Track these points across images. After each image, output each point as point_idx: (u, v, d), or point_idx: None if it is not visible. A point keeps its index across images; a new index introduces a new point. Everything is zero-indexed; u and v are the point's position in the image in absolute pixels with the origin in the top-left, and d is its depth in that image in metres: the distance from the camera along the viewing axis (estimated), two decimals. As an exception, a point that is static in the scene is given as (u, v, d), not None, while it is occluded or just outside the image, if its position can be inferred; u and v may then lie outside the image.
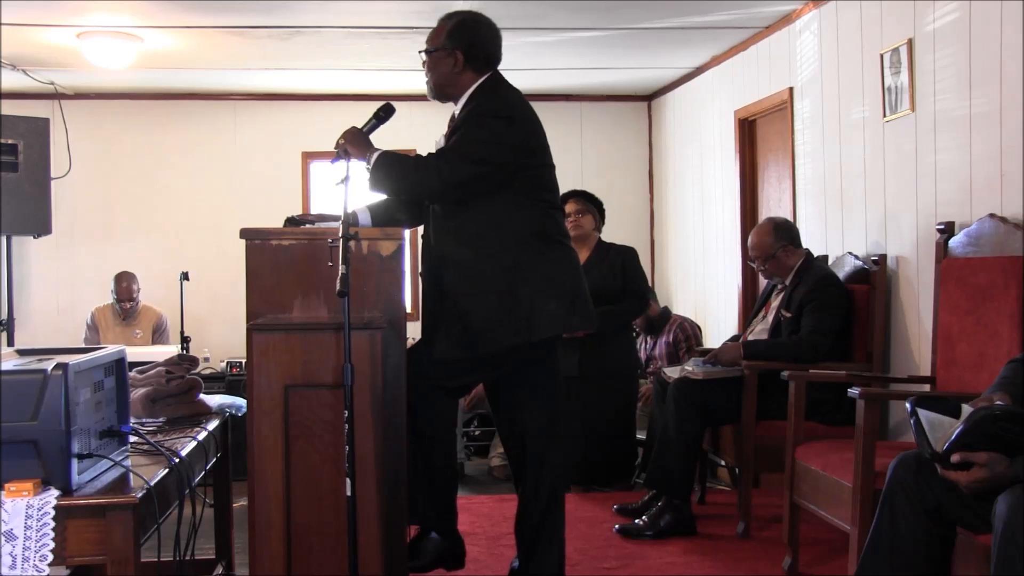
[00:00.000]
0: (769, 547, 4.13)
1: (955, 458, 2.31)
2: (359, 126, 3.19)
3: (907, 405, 2.50)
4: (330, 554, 2.76)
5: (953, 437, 2.32)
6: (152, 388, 3.05)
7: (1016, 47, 3.47)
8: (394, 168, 3.11)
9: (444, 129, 3.33)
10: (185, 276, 5.93)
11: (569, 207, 5.34)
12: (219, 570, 3.41)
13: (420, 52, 3.31)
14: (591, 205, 5.40)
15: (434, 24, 3.32)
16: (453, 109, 3.31)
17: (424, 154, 3.18)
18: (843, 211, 4.80)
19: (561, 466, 3.35)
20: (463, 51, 3.22)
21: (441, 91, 3.30)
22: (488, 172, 3.10)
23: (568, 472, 5.14)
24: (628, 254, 5.36)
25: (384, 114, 3.20)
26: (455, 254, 3.17)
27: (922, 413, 2.45)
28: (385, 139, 3.21)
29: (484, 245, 3.15)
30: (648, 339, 6.20)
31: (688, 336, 6.08)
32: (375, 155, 3.10)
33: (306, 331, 2.81)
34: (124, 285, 6.65)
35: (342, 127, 3.19)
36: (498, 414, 3.46)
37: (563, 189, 5.00)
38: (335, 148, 3.14)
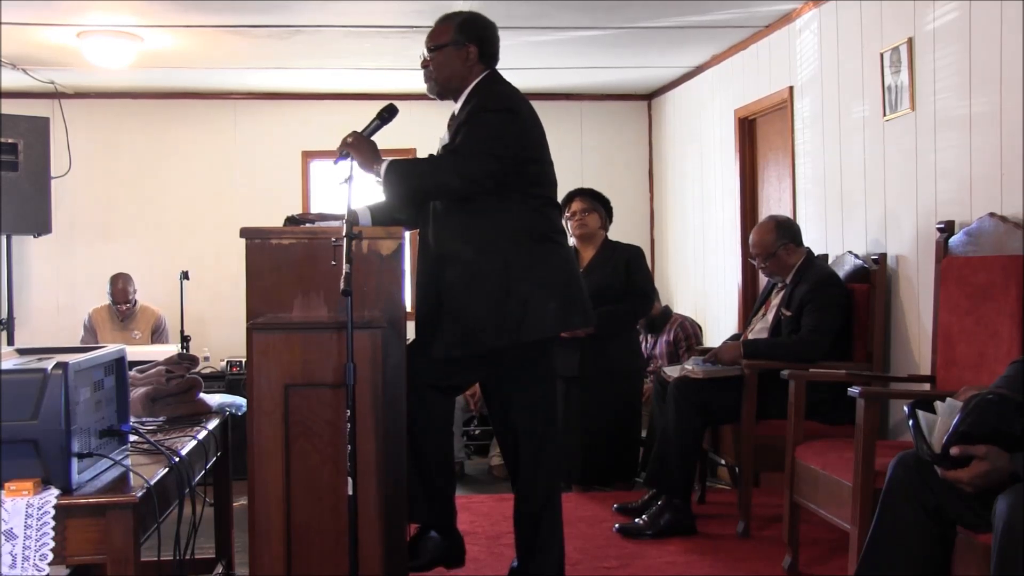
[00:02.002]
0: (769, 546, 4.12)
1: (954, 451, 2.30)
2: (361, 128, 3.17)
3: (905, 408, 2.51)
4: (330, 554, 2.76)
5: (951, 429, 2.33)
6: (152, 387, 3.05)
7: (1016, 47, 3.46)
8: (409, 173, 3.12)
9: (444, 128, 3.33)
10: (185, 275, 5.93)
11: (575, 206, 5.33)
12: (219, 569, 3.42)
13: (428, 50, 3.28)
14: (597, 204, 5.39)
15: (435, 22, 3.32)
16: (453, 108, 3.31)
17: (432, 154, 3.18)
18: (843, 210, 4.80)
19: (557, 466, 3.35)
20: (477, 45, 3.24)
21: (447, 87, 3.29)
22: (500, 166, 3.10)
23: (565, 472, 5.15)
24: (634, 253, 5.35)
25: (388, 115, 3.19)
26: (453, 253, 3.17)
27: (920, 414, 2.45)
28: (385, 138, 3.21)
29: (480, 244, 3.15)
30: (649, 338, 6.20)
31: (688, 335, 6.08)
32: (384, 165, 3.09)
33: (306, 330, 2.81)
34: (120, 287, 6.61)
35: (342, 126, 3.19)
36: (493, 413, 3.46)
37: (563, 189, 5.04)
38: (339, 148, 3.11)
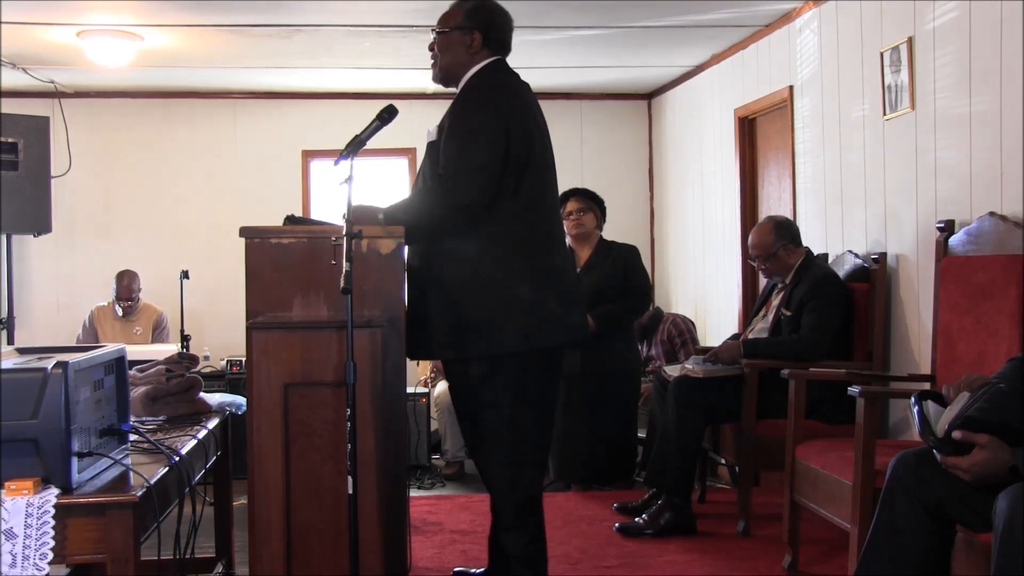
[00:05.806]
0: (769, 545, 4.13)
1: (957, 435, 2.30)
2: (360, 130, 3.12)
3: (912, 398, 2.51)
4: (330, 554, 2.77)
5: (958, 412, 2.33)
6: (152, 386, 3.05)
7: (1016, 47, 3.46)
8: (404, 218, 3.02)
9: None
10: (185, 274, 5.93)
11: (570, 205, 5.33)
12: (219, 569, 3.42)
13: (435, 32, 3.20)
14: (592, 203, 5.39)
15: (434, 22, 3.28)
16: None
17: (421, 186, 3.11)
18: (843, 209, 4.80)
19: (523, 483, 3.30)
20: (482, 32, 3.17)
21: (449, 74, 3.21)
22: (487, 178, 2.99)
23: (567, 471, 5.15)
24: (630, 252, 5.35)
25: (387, 116, 3.12)
26: (441, 256, 3.09)
27: (930, 403, 2.45)
28: (386, 139, 3.19)
29: (470, 247, 3.06)
30: (644, 343, 6.19)
31: (682, 331, 6.08)
32: (382, 218, 3.03)
33: (306, 329, 2.81)
34: (125, 284, 6.63)
35: (342, 126, 3.17)
36: (463, 426, 3.40)
37: (563, 188, 5.04)
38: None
